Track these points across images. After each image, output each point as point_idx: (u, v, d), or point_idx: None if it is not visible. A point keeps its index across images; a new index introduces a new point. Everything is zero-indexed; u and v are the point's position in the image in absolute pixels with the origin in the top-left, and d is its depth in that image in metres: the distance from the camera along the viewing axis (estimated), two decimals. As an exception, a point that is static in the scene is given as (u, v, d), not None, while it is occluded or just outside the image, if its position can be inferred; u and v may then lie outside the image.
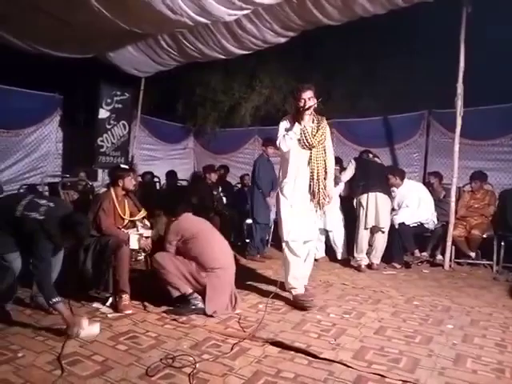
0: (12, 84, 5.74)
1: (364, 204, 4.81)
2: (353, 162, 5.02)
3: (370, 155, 5.21)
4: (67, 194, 3.78)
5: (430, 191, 5.20)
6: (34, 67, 5.84)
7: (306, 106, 3.31)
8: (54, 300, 2.65)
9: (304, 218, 3.45)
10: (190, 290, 3.20)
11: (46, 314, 3.03)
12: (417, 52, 7.36)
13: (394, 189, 5.08)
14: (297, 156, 3.42)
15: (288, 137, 3.32)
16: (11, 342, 2.54)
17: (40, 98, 6.22)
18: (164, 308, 3.24)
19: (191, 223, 3.43)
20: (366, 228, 4.84)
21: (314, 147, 3.39)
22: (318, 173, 3.40)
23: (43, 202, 2.90)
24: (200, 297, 3.19)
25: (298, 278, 3.49)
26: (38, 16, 4.06)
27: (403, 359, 2.46)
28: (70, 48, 5.12)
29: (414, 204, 4.97)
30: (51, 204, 2.89)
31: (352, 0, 4.12)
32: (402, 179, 5.06)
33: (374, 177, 4.86)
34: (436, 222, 5.09)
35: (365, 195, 4.80)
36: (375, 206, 4.78)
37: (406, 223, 4.91)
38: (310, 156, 3.40)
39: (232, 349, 2.52)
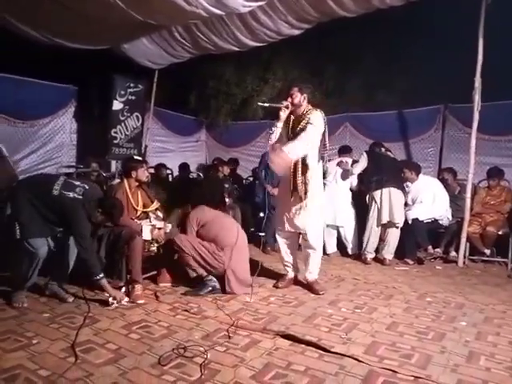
0: (27, 75, 5.79)
1: (378, 200, 4.76)
2: (364, 154, 4.94)
3: (383, 149, 5.12)
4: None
5: (444, 187, 5.13)
6: (50, 59, 5.87)
7: (289, 101, 3.49)
8: (99, 276, 2.95)
9: (288, 211, 3.59)
10: (205, 273, 3.46)
11: (60, 302, 3.08)
12: (434, 44, 7.24)
13: (408, 184, 5.02)
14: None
15: (271, 131, 3.59)
16: (26, 329, 2.58)
17: (55, 89, 6.26)
18: (175, 299, 3.28)
19: (207, 212, 3.68)
20: (378, 225, 4.80)
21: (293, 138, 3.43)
22: (295, 166, 3.44)
23: (77, 183, 3.02)
24: (215, 278, 3.47)
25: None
26: (53, 7, 4.08)
27: (415, 355, 2.44)
28: (85, 39, 5.14)
29: (428, 200, 4.90)
30: (86, 186, 3.01)
31: (368, -9, 4.06)
32: (418, 174, 4.99)
33: (387, 171, 4.79)
34: (451, 219, 5.02)
35: (378, 191, 4.75)
36: (389, 202, 4.73)
37: (420, 219, 4.85)
38: None
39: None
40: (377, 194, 4.77)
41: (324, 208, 3.75)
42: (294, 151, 3.25)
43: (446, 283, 4.06)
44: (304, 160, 3.43)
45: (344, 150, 5.43)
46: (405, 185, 5.05)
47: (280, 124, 3.55)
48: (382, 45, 7.88)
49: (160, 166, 6.65)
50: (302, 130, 3.40)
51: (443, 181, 5.34)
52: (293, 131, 3.49)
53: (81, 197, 2.91)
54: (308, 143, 3.36)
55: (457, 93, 5.72)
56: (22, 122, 5.83)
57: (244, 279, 3.55)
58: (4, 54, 5.39)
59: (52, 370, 2.11)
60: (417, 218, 4.85)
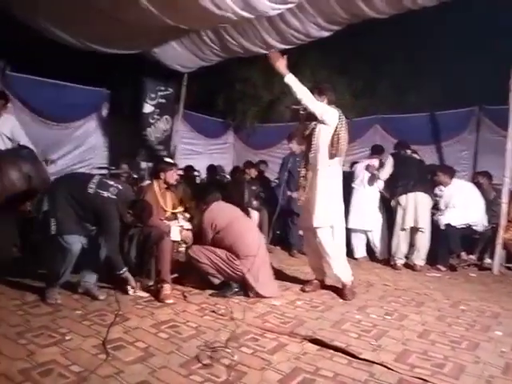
0: (61, 79, 5.99)
1: (403, 204, 4.67)
2: (390, 158, 4.84)
3: (408, 151, 4.96)
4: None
5: (479, 192, 4.95)
6: (82, 63, 6.05)
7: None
8: (123, 270, 3.12)
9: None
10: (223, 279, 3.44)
11: (92, 300, 3.16)
12: (468, 45, 7.03)
13: (441, 188, 4.89)
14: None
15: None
16: (60, 325, 2.66)
17: (88, 92, 6.46)
18: (202, 299, 3.31)
19: (223, 210, 3.59)
20: (402, 229, 4.70)
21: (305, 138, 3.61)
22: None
23: (112, 182, 3.12)
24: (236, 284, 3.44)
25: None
26: (89, 13, 4.20)
27: (448, 365, 2.36)
28: (118, 44, 5.28)
29: (461, 205, 4.76)
30: (120, 186, 3.11)
31: (401, -9, 3.98)
32: (451, 178, 4.86)
33: (413, 175, 4.68)
34: (486, 225, 4.85)
35: (404, 196, 4.65)
36: (414, 206, 4.63)
37: (453, 224, 4.71)
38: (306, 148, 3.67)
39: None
40: (402, 198, 4.67)
41: (331, 206, 3.51)
42: (303, 91, 3.31)
43: (481, 291, 3.93)
44: (313, 155, 3.47)
45: (375, 151, 5.32)
46: (437, 189, 4.92)
47: (301, 126, 3.59)
48: (413, 45, 7.73)
49: (188, 168, 6.74)
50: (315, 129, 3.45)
51: (478, 185, 5.16)
52: (308, 130, 3.52)
53: (115, 197, 3.00)
54: (314, 105, 3.36)
55: (492, 94, 5.55)
56: (57, 124, 6.03)
57: (268, 284, 3.48)
58: (40, 58, 5.61)
59: (84, 366, 2.16)
60: (449, 224, 4.71)
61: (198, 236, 3.60)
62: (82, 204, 3.00)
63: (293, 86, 3.30)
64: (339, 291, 3.59)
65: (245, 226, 3.59)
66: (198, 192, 5.16)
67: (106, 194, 2.99)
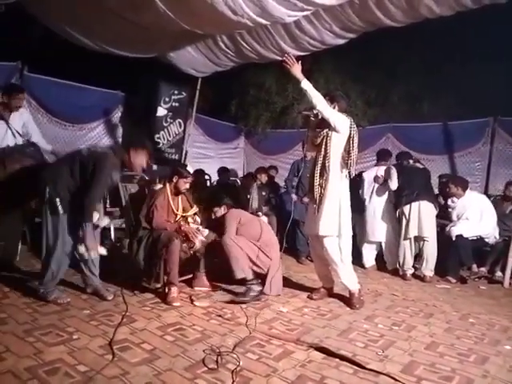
0: (77, 81, 6.07)
1: (406, 214, 4.63)
2: (394, 169, 4.80)
3: (411, 161, 4.95)
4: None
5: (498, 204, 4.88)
6: (99, 65, 6.13)
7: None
8: (87, 224, 2.96)
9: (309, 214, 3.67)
10: (251, 276, 3.52)
11: (100, 300, 3.18)
12: (483, 55, 6.97)
13: (454, 199, 4.83)
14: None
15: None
16: (67, 325, 2.68)
17: (103, 94, 6.52)
18: (209, 303, 3.31)
19: (243, 213, 3.86)
20: (406, 238, 4.66)
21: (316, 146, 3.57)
22: (315, 167, 3.52)
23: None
24: (258, 280, 3.54)
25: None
26: (107, 17, 4.27)
27: (456, 378, 2.33)
28: (135, 48, 5.33)
29: (475, 217, 4.70)
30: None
31: (417, 1, 3.95)
32: (465, 190, 4.80)
33: (417, 185, 4.65)
34: (498, 237, 4.78)
35: (408, 206, 4.62)
36: (418, 215, 4.60)
37: (465, 236, 4.64)
38: (316, 156, 3.58)
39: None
40: (406, 208, 4.64)
41: (340, 219, 3.45)
42: (318, 97, 3.31)
43: (490, 304, 3.87)
44: (324, 163, 3.40)
45: (382, 156, 5.25)
46: (450, 200, 4.87)
47: (311, 132, 3.56)
48: (428, 54, 7.68)
49: (199, 172, 6.70)
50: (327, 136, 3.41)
51: (507, 198, 5.08)
52: (320, 138, 3.47)
53: (107, 150, 3.18)
54: (328, 112, 3.34)
55: (507, 105, 5.48)
56: (72, 125, 6.10)
57: (277, 284, 3.67)
58: (57, 59, 5.71)
59: (90, 365, 2.17)
60: (461, 235, 4.65)
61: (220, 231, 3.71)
62: (81, 171, 3.02)
63: (309, 91, 3.31)
64: (346, 300, 3.56)
65: (267, 226, 3.91)
66: (208, 195, 5.22)
67: (99, 149, 3.16)
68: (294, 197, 5.20)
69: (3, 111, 3.76)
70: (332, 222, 3.42)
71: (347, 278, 3.54)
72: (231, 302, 3.39)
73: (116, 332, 2.59)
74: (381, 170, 4.99)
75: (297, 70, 3.32)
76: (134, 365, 2.22)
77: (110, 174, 3.06)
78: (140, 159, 3.22)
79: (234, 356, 2.38)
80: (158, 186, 3.78)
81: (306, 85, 3.32)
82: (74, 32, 4.79)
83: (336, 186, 3.43)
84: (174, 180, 3.64)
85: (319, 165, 3.44)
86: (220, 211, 3.87)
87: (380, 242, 5.01)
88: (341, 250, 3.47)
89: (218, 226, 3.76)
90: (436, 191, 5.28)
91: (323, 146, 3.43)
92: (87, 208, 2.96)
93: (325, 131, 3.44)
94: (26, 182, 3.31)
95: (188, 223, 3.69)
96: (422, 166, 4.97)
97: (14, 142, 3.73)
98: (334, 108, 3.44)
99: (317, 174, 3.45)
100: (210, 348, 2.48)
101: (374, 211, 4.93)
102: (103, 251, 3.15)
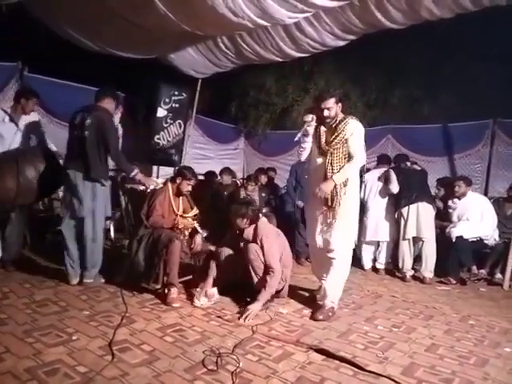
0: (77, 81, 6.07)
1: (405, 215, 4.64)
2: (392, 172, 4.79)
3: (408, 163, 4.97)
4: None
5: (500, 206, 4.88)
6: (99, 66, 6.13)
7: (325, 115, 3.19)
8: (135, 172, 3.49)
9: (316, 225, 3.30)
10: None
11: (100, 301, 3.18)
12: (483, 56, 6.98)
13: (455, 200, 4.84)
14: (314, 161, 3.32)
15: (301, 148, 3.33)
16: (67, 325, 2.68)
17: (103, 95, 6.52)
18: (209, 304, 3.30)
19: (268, 225, 3.70)
20: (404, 239, 4.66)
21: (328, 153, 3.19)
22: (326, 175, 3.18)
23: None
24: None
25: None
26: (108, 18, 4.27)
27: (456, 380, 2.33)
28: (135, 49, 5.34)
29: (475, 218, 4.70)
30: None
31: (418, 3, 3.96)
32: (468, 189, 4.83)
33: (415, 187, 4.67)
34: (498, 239, 4.78)
35: (406, 208, 4.63)
36: (416, 216, 4.60)
37: (465, 237, 4.65)
38: (325, 162, 3.20)
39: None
40: (404, 210, 4.65)
41: (356, 226, 3.38)
42: (348, 174, 3.16)
43: (490, 306, 3.87)
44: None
45: (383, 161, 5.25)
46: (451, 201, 4.87)
47: (309, 139, 3.29)
48: (427, 56, 7.69)
49: (209, 174, 6.58)
50: (340, 142, 3.15)
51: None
52: (328, 144, 3.20)
53: (100, 115, 3.45)
54: (359, 159, 3.20)
55: (507, 107, 5.48)
56: (73, 125, 6.08)
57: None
58: (58, 60, 5.71)
59: (89, 366, 2.17)
60: (461, 236, 4.65)
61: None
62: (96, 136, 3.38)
63: (344, 179, 3.16)
64: (316, 306, 3.31)
65: (288, 246, 3.67)
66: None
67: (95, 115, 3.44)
68: (299, 203, 5.13)
69: (15, 113, 3.80)
70: (348, 234, 3.27)
71: (335, 288, 3.31)
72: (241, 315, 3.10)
73: (116, 333, 2.59)
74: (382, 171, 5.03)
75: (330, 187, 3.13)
76: (134, 366, 2.22)
77: (114, 125, 3.53)
78: (110, 106, 3.69)
79: (234, 357, 2.38)
80: (159, 186, 3.77)
81: (339, 180, 3.13)
82: (75, 33, 4.80)
83: (355, 193, 3.30)
84: (178, 181, 3.64)
85: (335, 171, 3.17)
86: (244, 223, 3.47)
87: (378, 244, 5.00)
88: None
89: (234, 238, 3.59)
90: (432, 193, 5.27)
91: (338, 151, 3.18)
92: (122, 166, 3.50)
93: (340, 137, 3.17)
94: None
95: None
96: (419, 168, 4.98)
97: (23, 143, 3.76)
98: (339, 109, 3.21)
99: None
100: (210, 349, 2.48)
101: (377, 210, 4.91)
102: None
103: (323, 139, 3.24)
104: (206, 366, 2.27)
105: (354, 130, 3.17)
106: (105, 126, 3.41)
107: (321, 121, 3.25)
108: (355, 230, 3.41)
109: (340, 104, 3.22)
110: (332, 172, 3.16)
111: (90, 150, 3.37)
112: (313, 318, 3.17)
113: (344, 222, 3.21)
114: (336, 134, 3.17)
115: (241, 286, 3.50)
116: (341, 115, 3.24)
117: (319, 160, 3.27)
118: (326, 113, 3.18)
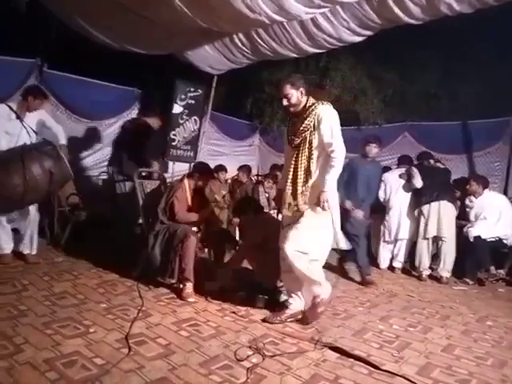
0: (95, 77, 6.14)
1: (425, 213, 4.57)
2: (415, 169, 4.71)
3: (431, 161, 4.90)
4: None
5: None
6: (117, 62, 6.19)
7: (284, 104, 2.92)
8: None
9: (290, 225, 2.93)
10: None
11: (117, 294, 3.22)
12: (503, 53, 6.82)
13: (472, 198, 4.75)
14: (286, 155, 3.13)
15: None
16: (85, 318, 2.72)
17: (120, 91, 6.58)
18: (223, 300, 3.31)
19: None
20: (424, 238, 4.61)
21: (296, 145, 2.90)
22: (296, 174, 2.88)
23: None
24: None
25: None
26: (125, 15, 4.31)
27: (473, 381, 2.30)
28: (153, 46, 5.38)
29: (493, 217, 4.62)
30: None
31: (437, -3, 3.89)
32: (484, 188, 4.73)
33: (437, 185, 4.60)
34: (516, 239, 4.69)
35: (427, 206, 4.56)
36: (437, 215, 4.53)
37: (483, 237, 4.57)
38: (293, 155, 2.92)
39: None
40: (425, 207, 4.58)
41: (330, 229, 2.96)
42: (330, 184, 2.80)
43: (509, 307, 3.80)
44: (308, 166, 2.86)
45: (404, 161, 5.16)
46: (468, 199, 4.79)
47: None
48: (445, 53, 7.55)
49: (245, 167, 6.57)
50: (307, 130, 2.83)
51: None
52: (295, 134, 2.90)
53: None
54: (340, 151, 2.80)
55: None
56: (90, 121, 6.18)
57: None
58: (76, 56, 5.78)
59: (106, 359, 2.20)
60: (479, 236, 4.57)
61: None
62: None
63: (332, 183, 2.85)
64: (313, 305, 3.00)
65: None
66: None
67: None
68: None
69: (21, 110, 3.76)
70: (317, 236, 2.93)
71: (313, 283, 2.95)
72: (262, 320, 2.98)
73: (132, 326, 2.62)
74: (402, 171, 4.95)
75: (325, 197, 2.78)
76: (150, 359, 2.25)
77: None
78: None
79: (249, 353, 2.39)
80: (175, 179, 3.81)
81: (329, 188, 2.81)
82: (93, 30, 4.85)
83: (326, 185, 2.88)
84: (195, 177, 3.67)
85: (304, 167, 2.87)
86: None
87: (395, 243, 4.93)
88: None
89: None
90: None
91: (306, 143, 2.87)
92: None
93: (306, 125, 2.85)
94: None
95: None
96: (442, 166, 4.91)
97: (28, 140, 3.74)
98: (302, 94, 2.88)
99: (300, 179, 2.87)
100: (225, 344, 2.49)
101: (399, 210, 4.84)
102: None
103: (291, 129, 3.00)
104: (220, 361, 2.27)
105: (322, 116, 2.82)
106: None
107: (287, 111, 3.01)
108: (328, 234, 2.98)
109: (302, 89, 2.88)
110: (300, 165, 2.85)
111: None
112: (303, 320, 2.98)
113: (309, 221, 2.86)
114: (305, 122, 2.86)
115: (256, 285, 3.50)
116: (310, 102, 2.91)
117: (290, 154, 2.98)
118: (284, 101, 2.91)
